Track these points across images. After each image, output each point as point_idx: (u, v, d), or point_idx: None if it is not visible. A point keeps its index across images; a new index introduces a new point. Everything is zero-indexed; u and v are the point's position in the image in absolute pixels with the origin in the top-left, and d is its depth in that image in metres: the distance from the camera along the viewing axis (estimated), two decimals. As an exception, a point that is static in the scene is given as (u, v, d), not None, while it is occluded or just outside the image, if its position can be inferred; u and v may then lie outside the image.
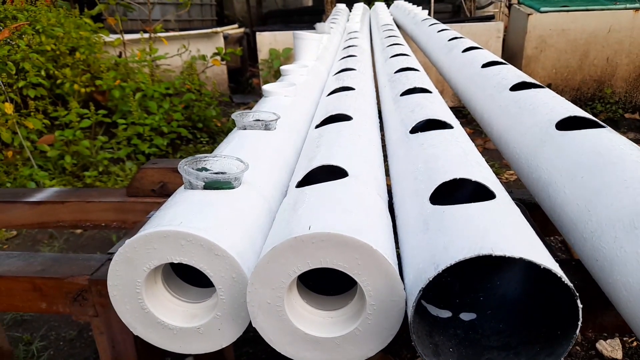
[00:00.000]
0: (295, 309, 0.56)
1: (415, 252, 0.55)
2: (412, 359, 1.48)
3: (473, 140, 0.85)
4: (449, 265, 0.46)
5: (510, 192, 1.12)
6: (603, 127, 0.80)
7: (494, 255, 0.45)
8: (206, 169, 0.71)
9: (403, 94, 1.16)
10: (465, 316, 0.61)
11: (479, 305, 0.63)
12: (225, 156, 0.72)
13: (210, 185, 0.65)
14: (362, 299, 0.54)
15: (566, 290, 0.46)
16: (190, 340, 0.58)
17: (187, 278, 0.64)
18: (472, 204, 0.56)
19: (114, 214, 1.09)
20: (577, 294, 0.46)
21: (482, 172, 0.67)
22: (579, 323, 0.47)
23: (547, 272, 0.46)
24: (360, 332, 0.53)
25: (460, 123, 0.96)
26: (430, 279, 0.47)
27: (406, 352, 1.51)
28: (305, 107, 1.20)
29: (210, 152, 0.86)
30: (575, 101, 3.93)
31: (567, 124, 0.85)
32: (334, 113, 1.01)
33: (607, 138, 0.74)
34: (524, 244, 0.48)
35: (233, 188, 0.66)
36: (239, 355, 1.55)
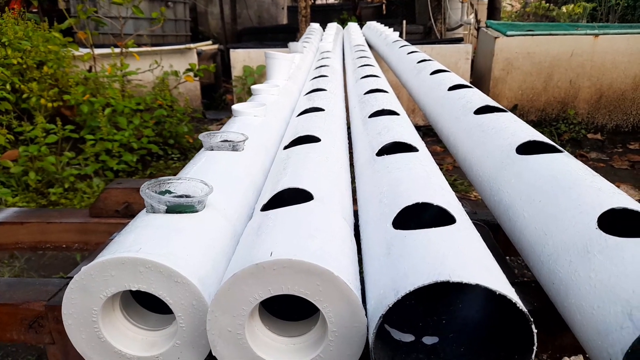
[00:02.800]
0: (257, 336, 0.55)
1: (377, 277, 0.55)
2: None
3: (444, 159, 0.87)
4: (408, 292, 0.47)
5: (474, 213, 1.14)
6: (561, 151, 0.83)
7: (451, 282, 0.46)
8: (170, 192, 0.70)
9: (371, 115, 1.17)
10: (428, 340, 0.62)
11: (442, 329, 0.63)
12: (189, 179, 0.71)
13: (172, 209, 0.64)
14: (325, 325, 0.53)
15: (521, 315, 0.47)
16: (148, 369, 0.56)
17: (147, 304, 0.63)
18: (432, 229, 0.57)
19: (76, 235, 1.06)
20: (532, 319, 0.47)
21: (444, 196, 0.68)
22: (534, 348, 0.48)
23: (504, 297, 0.47)
24: (321, 359, 0.53)
25: (432, 141, 0.99)
26: (390, 306, 0.47)
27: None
28: (275, 127, 1.21)
29: (181, 168, 0.85)
30: (540, 121, 4.07)
31: (528, 147, 0.87)
32: (302, 134, 1.02)
33: (563, 163, 0.76)
34: (482, 270, 0.49)
35: (196, 211, 0.65)
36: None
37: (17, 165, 2.79)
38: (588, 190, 0.66)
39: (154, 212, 0.64)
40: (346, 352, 0.53)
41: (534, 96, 4.04)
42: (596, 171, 0.76)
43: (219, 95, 5.23)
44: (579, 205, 0.63)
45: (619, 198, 0.63)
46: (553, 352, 0.70)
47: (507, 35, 3.88)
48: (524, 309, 0.46)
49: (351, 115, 1.43)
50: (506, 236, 0.85)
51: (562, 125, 3.94)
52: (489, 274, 0.49)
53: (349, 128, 1.32)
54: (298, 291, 0.51)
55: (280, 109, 1.36)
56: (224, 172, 0.82)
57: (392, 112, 1.16)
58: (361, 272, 0.62)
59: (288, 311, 0.62)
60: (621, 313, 0.47)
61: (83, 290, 0.54)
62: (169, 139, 3.42)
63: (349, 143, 1.19)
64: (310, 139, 0.99)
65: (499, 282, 0.48)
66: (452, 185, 2.85)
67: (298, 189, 0.74)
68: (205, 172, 0.80)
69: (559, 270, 0.59)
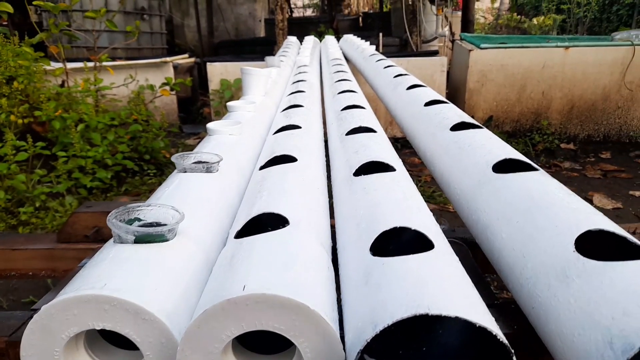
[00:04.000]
0: (231, 374, 0.52)
1: (356, 307, 0.53)
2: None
3: (422, 170, 0.87)
4: (386, 326, 0.45)
5: (452, 231, 1.13)
6: (536, 170, 0.83)
7: (430, 315, 0.44)
8: (140, 219, 0.67)
9: (349, 133, 1.17)
10: (409, 369, 0.60)
11: (422, 357, 0.62)
12: (160, 205, 0.68)
13: (141, 239, 0.61)
14: (301, 360, 0.51)
15: (502, 346, 0.46)
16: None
17: (113, 339, 0.59)
18: (411, 255, 0.55)
19: (43, 261, 1.02)
20: (512, 351, 0.45)
21: (422, 219, 0.67)
22: (516, 379, 0.47)
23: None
24: (299, 397, 0.51)
25: (410, 153, 0.98)
26: (368, 340, 0.46)
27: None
28: (251, 146, 1.19)
29: (158, 184, 0.82)
30: (515, 132, 4.15)
31: (504, 165, 0.88)
32: (278, 154, 1.00)
33: (539, 181, 0.76)
34: (461, 300, 0.48)
35: (167, 240, 0.63)
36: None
37: (-16, 184, 2.68)
38: (565, 210, 0.66)
39: (121, 242, 0.61)
40: (324, 388, 0.51)
41: (509, 107, 4.11)
42: (570, 181, 0.76)
43: (196, 109, 5.17)
44: (556, 227, 0.63)
45: (596, 219, 0.63)
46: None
47: (481, 48, 3.95)
48: (505, 341, 0.45)
49: (329, 132, 1.42)
50: (484, 255, 0.84)
51: (537, 136, 4.02)
52: (468, 305, 0.47)
53: (326, 143, 1.31)
54: (273, 327, 0.49)
55: (256, 126, 1.34)
56: (197, 196, 0.79)
57: (369, 130, 1.15)
58: (339, 299, 0.60)
59: (263, 343, 0.60)
60: (602, 341, 0.46)
61: (43, 330, 0.51)
62: (144, 155, 3.35)
63: (326, 159, 1.18)
64: (287, 159, 0.97)
65: (478, 313, 0.46)
66: (431, 197, 2.86)
67: (274, 216, 0.72)
68: (178, 196, 0.78)
69: (538, 295, 0.58)
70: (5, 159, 2.77)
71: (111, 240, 0.64)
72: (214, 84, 4.17)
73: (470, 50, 3.97)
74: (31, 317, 0.76)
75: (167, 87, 3.74)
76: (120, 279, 0.53)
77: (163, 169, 3.43)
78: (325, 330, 0.49)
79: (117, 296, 0.49)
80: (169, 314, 0.52)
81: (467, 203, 0.87)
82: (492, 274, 1.13)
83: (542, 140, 3.98)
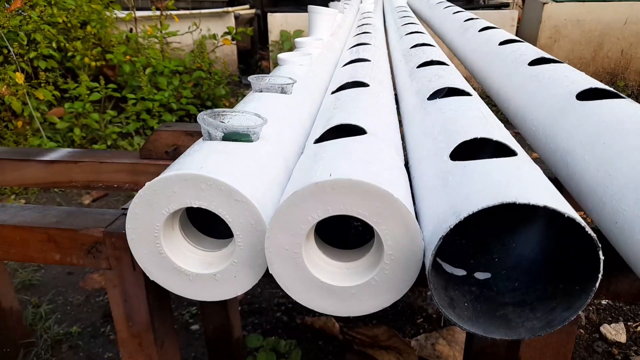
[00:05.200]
0: (312, 257, 0.56)
1: (435, 206, 0.54)
2: (415, 334, 1.48)
3: None
4: (471, 213, 0.46)
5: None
6: (624, 98, 0.79)
7: (517, 203, 0.45)
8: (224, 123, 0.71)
9: (419, 66, 1.15)
10: (480, 275, 0.61)
11: (494, 266, 0.63)
12: (244, 112, 0.72)
13: (229, 137, 0.65)
14: (380, 250, 0.54)
15: (588, 241, 0.46)
16: (206, 286, 0.58)
17: (203, 230, 0.64)
18: (494, 159, 0.56)
19: (127, 175, 1.10)
20: (600, 245, 0.45)
21: (502, 134, 0.66)
22: (599, 275, 0.47)
23: (567, 226, 0.46)
24: (376, 282, 0.53)
25: None
26: (452, 227, 0.47)
27: (410, 328, 1.52)
28: (320, 77, 1.20)
29: None
30: (587, 93, 3.89)
31: (588, 96, 0.84)
32: (350, 81, 1.01)
33: (628, 106, 0.73)
34: (547, 195, 0.48)
35: (251, 141, 0.66)
36: (245, 324, 1.56)
37: (62, 122, 2.88)
38: (658, 131, 0.63)
39: (210, 140, 0.65)
40: (401, 276, 0.53)
41: (582, 67, 3.85)
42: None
43: (255, 62, 5.22)
44: (648, 145, 0.60)
45: (693, 138, 0.60)
46: (607, 297, 0.68)
47: (557, 1, 3.68)
48: (592, 234, 0.45)
49: (396, 70, 1.40)
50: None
51: (611, 98, 3.75)
52: (554, 199, 0.47)
53: (393, 83, 1.30)
54: (357, 212, 0.51)
55: (324, 61, 1.34)
56: (275, 110, 0.82)
57: (441, 63, 1.13)
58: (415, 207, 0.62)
59: (340, 242, 0.63)
60: (695, 243, 0.45)
61: (147, 205, 0.56)
62: (206, 101, 3.46)
63: (394, 96, 1.17)
64: (358, 85, 0.98)
65: (566, 207, 0.46)
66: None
67: (349, 129, 0.73)
68: (257, 109, 0.81)
69: (624, 209, 0.57)
70: (80, 99, 2.95)
71: (200, 139, 0.68)
72: (273, 35, 4.17)
73: (544, 4, 3.71)
74: (123, 214, 0.84)
75: (229, 37, 3.79)
76: (214, 164, 0.57)
77: (223, 116, 3.53)
78: (407, 219, 0.51)
79: (213, 177, 0.53)
80: (258, 199, 0.55)
81: (544, 132, 0.84)
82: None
83: (616, 103, 3.72)
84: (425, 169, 0.65)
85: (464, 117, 0.72)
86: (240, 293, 0.58)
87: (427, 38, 1.53)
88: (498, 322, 0.51)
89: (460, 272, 0.62)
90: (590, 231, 0.45)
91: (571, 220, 0.46)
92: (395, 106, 0.98)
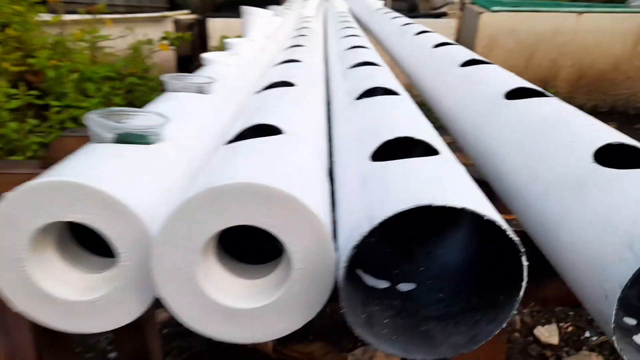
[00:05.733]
0: (212, 277, 0.48)
1: (351, 209, 0.49)
2: (354, 348, 1.43)
3: None
4: (385, 218, 0.41)
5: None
6: (550, 96, 0.78)
7: (434, 205, 0.40)
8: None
9: (352, 67, 1.10)
10: (404, 287, 0.56)
11: (419, 276, 0.58)
12: (145, 111, 0.64)
13: (122, 139, 0.57)
14: (289, 264, 0.47)
15: (512, 245, 0.41)
16: (84, 317, 0.49)
17: (87, 246, 0.55)
18: (415, 159, 0.51)
19: (27, 187, 0.97)
20: (522, 250, 0.41)
21: (427, 133, 0.62)
22: (523, 284, 0.43)
23: (491, 230, 0.42)
24: (284, 301, 0.47)
25: None
26: (365, 234, 0.41)
27: (347, 342, 1.46)
28: (252, 78, 1.13)
29: None
30: (521, 100, 4.05)
31: (516, 95, 0.82)
32: (277, 81, 0.94)
33: (554, 104, 0.71)
34: (467, 197, 0.43)
35: (149, 144, 0.58)
36: (170, 349, 1.44)
37: (-22, 131, 2.63)
38: (582, 128, 0.61)
39: (100, 142, 0.57)
40: (312, 293, 0.47)
41: (516, 74, 4.00)
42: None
43: (195, 68, 5.06)
44: (572, 142, 0.58)
45: (615, 135, 0.58)
46: (536, 303, 0.65)
47: (492, 11, 3.82)
48: (514, 237, 0.41)
49: (331, 73, 1.35)
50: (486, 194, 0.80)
51: (543, 104, 3.93)
52: (475, 200, 0.43)
53: (328, 84, 1.25)
54: (259, 221, 0.44)
55: (258, 63, 1.28)
56: (187, 112, 0.74)
57: (374, 64, 1.09)
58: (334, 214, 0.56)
59: (249, 256, 0.56)
60: (620, 244, 0.42)
61: (8, 222, 0.46)
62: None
63: (326, 96, 1.12)
64: (285, 85, 0.92)
65: (486, 209, 0.42)
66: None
67: (273, 131, 0.67)
68: (168, 109, 0.72)
69: (549, 210, 0.54)
70: (-2, 106, 2.70)
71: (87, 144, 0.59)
72: (214, 40, 4.06)
73: (480, 13, 3.84)
74: None
75: (166, 42, 3.64)
76: (95, 170, 0.48)
77: (161, 124, 3.36)
78: (317, 227, 0.45)
79: (91, 184, 0.45)
80: (146, 210, 0.47)
81: (473, 133, 0.81)
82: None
83: (548, 109, 3.89)
84: (347, 169, 0.59)
85: (390, 117, 0.67)
86: (127, 322, 0.49)
87: (362, 41, 1.50)
88: (419, 339, 0.46)
89: (384, 284, 0.56)
90: (512, 235, 0.41)
91: (493, 223, 0.41)
92: (323, 107, 0.93)
